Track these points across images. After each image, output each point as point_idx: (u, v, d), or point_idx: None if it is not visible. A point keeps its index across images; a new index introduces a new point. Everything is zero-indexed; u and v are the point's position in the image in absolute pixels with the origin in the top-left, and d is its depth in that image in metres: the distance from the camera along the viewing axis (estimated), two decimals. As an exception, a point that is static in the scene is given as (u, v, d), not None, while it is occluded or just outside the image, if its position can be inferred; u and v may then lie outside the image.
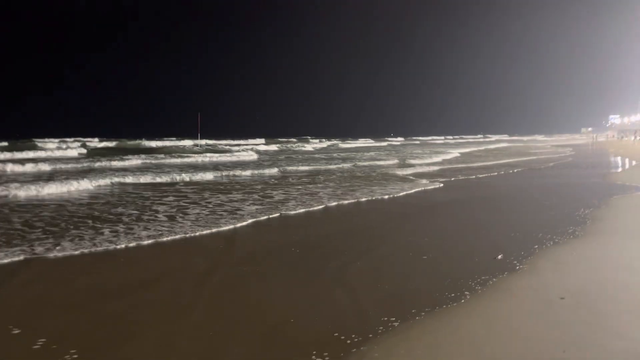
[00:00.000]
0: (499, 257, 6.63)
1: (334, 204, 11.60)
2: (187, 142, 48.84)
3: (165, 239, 7.76)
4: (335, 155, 36.95)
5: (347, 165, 24.86)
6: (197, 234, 8.17)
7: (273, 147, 48.46)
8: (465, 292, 5.13)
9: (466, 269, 6.11)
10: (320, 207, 11.12)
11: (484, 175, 19.92)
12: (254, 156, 32.06)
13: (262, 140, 63.21)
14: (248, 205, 11.05)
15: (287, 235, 8.28)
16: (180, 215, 9.79)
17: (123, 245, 7.26)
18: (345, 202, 11.98)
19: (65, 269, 6.17)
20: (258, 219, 9.55)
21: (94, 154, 32.15)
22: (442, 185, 15.72)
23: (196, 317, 4.55)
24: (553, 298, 4.86)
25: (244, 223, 9.10)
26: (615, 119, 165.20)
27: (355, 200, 12.25)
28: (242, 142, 57.61)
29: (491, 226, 9.09)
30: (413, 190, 14.15)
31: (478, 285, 5.40)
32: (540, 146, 63.41)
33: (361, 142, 73.28)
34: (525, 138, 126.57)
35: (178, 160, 27.17)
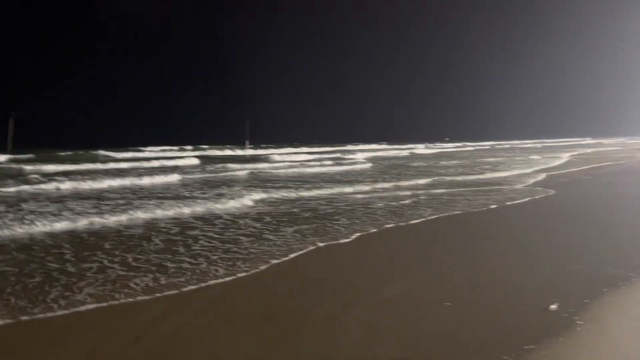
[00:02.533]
0: (553, 306, 4.82)
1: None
2: (283, 150, 44.88)
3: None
4: (457, 162, 30.34)
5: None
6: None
7: (369, 155, 42.18)
8: (495, 378, 3.42)
9: (503, 326, 4.37)
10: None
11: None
12: (367, 164, 27.17)
13: (354, 147, 56.51)
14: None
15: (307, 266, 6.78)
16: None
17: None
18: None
19: None
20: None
21: (208, 162, 28.28)
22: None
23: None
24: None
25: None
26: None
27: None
28: (322, 149, 50.62)
29: (551, 253, 7.19)
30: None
31: (517, 360, 3.68)
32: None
33: (439, 148, 62.76)
34: (606, 141, 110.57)
35: (309, 170, 23.20)
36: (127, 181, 16.57)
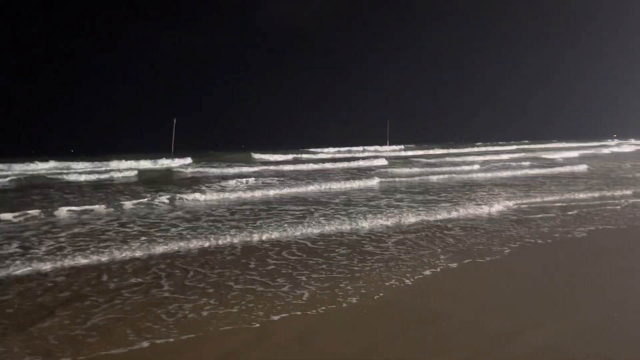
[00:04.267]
0: None
1: None
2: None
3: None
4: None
5: None
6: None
7: (569, 154, 35.55)
8: None
9: None
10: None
11: None
12: (582, 166, 23.12)
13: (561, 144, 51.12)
14: None
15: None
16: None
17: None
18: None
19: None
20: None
21: (393, 164, 27.02)
22: None
23: None
24: None
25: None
26: None
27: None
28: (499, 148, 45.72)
29: None
30: None
31: None
32: None
33: (635, 145, 51.66)
34: None
35: (528, 172, 20.88)
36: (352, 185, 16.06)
